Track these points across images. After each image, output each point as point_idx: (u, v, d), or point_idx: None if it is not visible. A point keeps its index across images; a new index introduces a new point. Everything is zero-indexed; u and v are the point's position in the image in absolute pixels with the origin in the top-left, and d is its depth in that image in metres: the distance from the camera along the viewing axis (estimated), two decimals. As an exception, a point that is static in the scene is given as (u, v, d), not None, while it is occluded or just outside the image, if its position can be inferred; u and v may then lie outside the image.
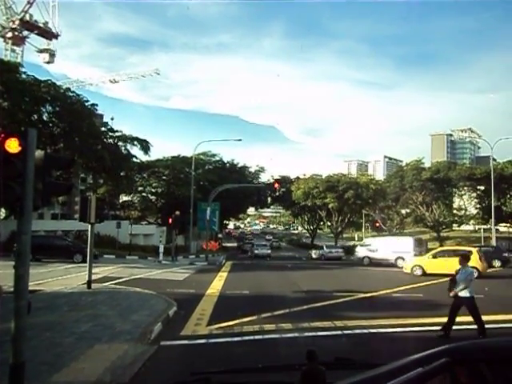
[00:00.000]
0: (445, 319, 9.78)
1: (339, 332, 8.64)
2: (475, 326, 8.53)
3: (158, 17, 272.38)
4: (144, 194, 51.40)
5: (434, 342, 7.66)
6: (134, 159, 42.11)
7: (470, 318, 9.62)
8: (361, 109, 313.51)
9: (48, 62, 73.49)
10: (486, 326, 8.75)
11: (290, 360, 6.15)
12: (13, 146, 4.74)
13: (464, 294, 8.38)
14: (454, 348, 1.50)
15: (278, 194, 60.02)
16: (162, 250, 29.56)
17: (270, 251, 42.35)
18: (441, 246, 56.98)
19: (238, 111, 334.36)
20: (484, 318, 9.70)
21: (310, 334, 8.51)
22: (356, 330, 8.85)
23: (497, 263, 26.90)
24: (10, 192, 4.75)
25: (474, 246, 27.16)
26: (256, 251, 42.03)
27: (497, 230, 49.13)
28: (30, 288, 5.59)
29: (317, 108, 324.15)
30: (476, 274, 8.35)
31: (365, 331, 8.76)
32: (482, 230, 50.02)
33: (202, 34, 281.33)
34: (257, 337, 8.34)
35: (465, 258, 8.94)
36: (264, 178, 60.09)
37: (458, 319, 9.62)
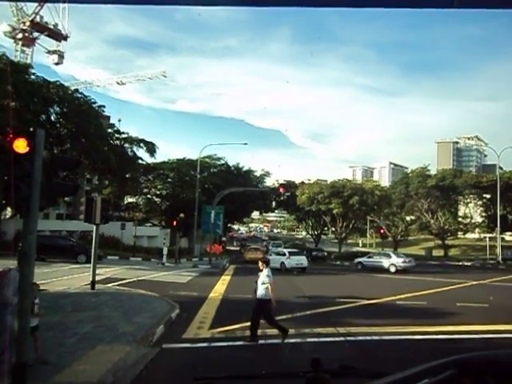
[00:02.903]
0: (448, 327, 9.73)
1: (342, 338, 8.59)
2: (482, 336, 8.47)
3: (166, 20, 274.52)
4: (149, 196, 51.49)
5: (438, 351, 7.59)
6: (140, 161, 42.22)
7: (476, 328, 9.56)
8: (367, 115, 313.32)
9: (57, 64, 74.08)
10: (491, 335, 8.69)
11: (292, 366, 6.13)
12: (21, 146, 4.77)
13: (258, 295, 8.52)
14: (460, 359, 1.48)
15: (282, 198, 59.93)
16: (165, 252, 29.58)
17: None
18: (445, 254, 56.79)
19: (243, 115, 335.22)
20: (489, 327, 9.64)
21: (313, 339, 8.47)
22: (359, 336, 8.80)
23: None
24: (17, 192, 4.78)
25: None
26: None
27: (502, 238, 48.78)
28: (34, 288, 5.61)
29: (323, 113, 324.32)
30: (268, 280, 8.51)
31: (368, 338, 8.70)
32: (487, 239, 49.65)
33: (209, 38, 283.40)
34: (259, 341, 8.30)
35: (264, 261, 9.12)
36: (269, 182, 60.15)
37: (465, 328, 9.55)
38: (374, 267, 29.95)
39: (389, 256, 30.78)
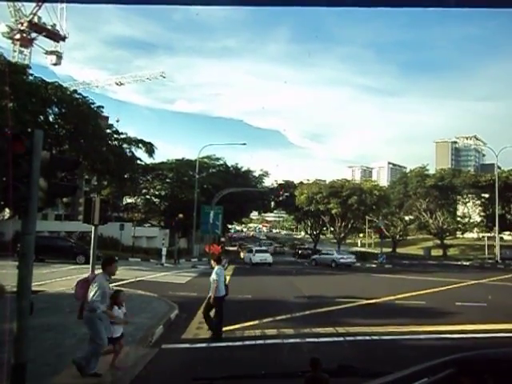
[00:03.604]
0: (447, 327, 9.75)
1: (341, 338, 8.59)
2: (481, 335, 8.50)
3: (164, 20, 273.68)
4: (148, 197, 51.41)
5: (437, 350, 7.60)
6: (139, 162, 42.18)
7: (475, 327, 9.58)
8: (365, 115, 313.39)
9: (55, 64, 74.01)
10: (489, 334, 8.71)
11: (291, 366, 6.13)
12: (19, 147, 4.77)
13: (210, 293, 8.69)
14: (460, 358, 1.49)
15: (281, 198, 59.93)
16: (164, 252, 29.57)
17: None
18: (444, 253, 56.85)
19: (242, 115, 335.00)
20: (487, 326, 9.66)
21: (312, 339, 8.47)
22: (358, 336, 8.80)
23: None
24: (16, 192, 4.77)
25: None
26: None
27: (501, 238, 48.82)
28: (33, 288, 5.59)
29: (321, 113, 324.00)
30: (214, 277, 8.75)
31: (367, 338, 8.70)
32: (485, 238, 49.71)
33: (207, 38, 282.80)
34: (258, 341, 8.31)
35: (216, 259, 9.31)
36: (268, 182, 60.16)
37: (464, 328, 9.57)
38: (323, 263, 35.19)
39: (331, 253, 36.73)
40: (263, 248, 42.80)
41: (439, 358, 1.55)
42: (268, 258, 34.69)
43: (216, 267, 8.92)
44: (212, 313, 8.82)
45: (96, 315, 5.72)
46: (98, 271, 6.18)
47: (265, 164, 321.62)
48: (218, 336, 8.40)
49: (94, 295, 5.66)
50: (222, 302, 8.74)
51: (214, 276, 8.73)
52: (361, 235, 78.34)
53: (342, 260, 34.59)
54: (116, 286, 15.84)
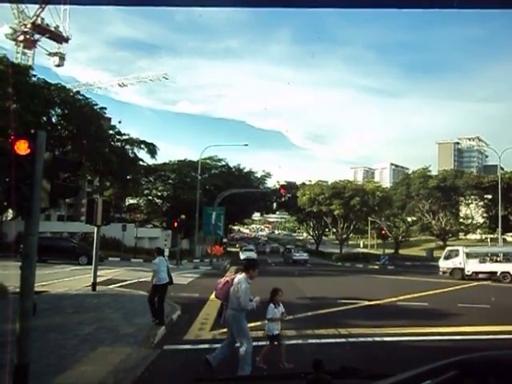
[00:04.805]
0: (450, 328, 9.71)
1: (343, 340, 8.57)
2: (484, 337, 8.50)
3: (167, 22, 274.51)
4: (150, 198, 51.53)
5: (439, 352, 7.57)
6: (141, 162, 42.28)
7: (478, 329, 9.55)
8: (368, 116, 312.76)
9: (58, 65, 74.22)
10: (492, 336, 8.67)
11: (294, 367, 6.12)
12: (22, 147, 4.78)
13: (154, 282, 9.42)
14: (463, 360, 1.48)
15: (283, 199, 59.93)
16: (166, 253, 29.54)
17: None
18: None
19: (244, 116, 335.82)
20: (490, 328, 9.63)
21: (314, 341, 8.46)
22: (360, 337, 8.77)
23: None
24: (19, 193, 4.78)
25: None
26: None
27: (504, 239, 48.62)
28: (36, 289, 5.60)
29: (323, 114, 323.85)
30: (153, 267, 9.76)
31: (369, 339, 8.68)
32: (488, 240, 49.49)
33: (209, 39, 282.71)
34: (260, 343, 8.27)
35: (157, 251, 10.24)
36: (270, 183, 60.21)
37: (467, 329, 9.54)
38: (286, 259, 43.95)
39: (291, 252, 45.38)
40: (250, 247, 51.37)
41: (442, 359, 1.55)
42: (252, 255, 41.54)
43: (157, 258, 9.64)
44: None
45: (243, 314, 6.20)
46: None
47: (267, 165, 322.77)
48: (160, 322, 9.08)
49: (246, 297, 6.15)
50: (164, 289, 9.49)
51: (153, 266, 9.57)
52: (368, 237, 78.09)
53: (294, 257, 41.99)
54: (118, 286, 15.89)
